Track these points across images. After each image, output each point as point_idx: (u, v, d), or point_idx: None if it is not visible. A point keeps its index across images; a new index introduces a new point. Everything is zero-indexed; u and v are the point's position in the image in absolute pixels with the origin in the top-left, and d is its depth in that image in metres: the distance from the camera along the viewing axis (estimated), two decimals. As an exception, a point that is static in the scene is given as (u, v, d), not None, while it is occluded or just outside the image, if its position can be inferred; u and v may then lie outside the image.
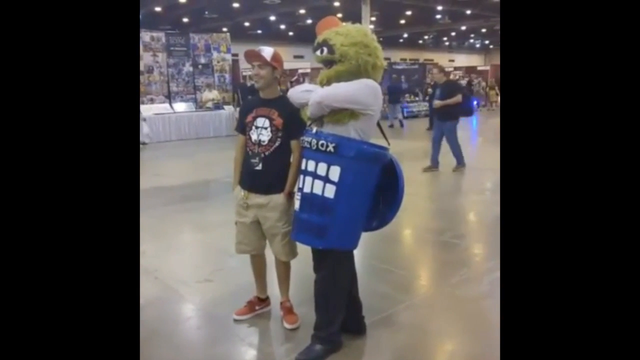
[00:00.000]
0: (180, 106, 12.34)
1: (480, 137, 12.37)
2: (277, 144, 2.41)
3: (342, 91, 2.09)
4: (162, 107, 12.00)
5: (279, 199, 2.43)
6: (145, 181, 6.32)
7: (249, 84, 13.48)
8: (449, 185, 6.63)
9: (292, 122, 2.37)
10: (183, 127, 11.53)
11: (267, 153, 2.41)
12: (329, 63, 2.15)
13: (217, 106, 12.47)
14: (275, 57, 2.40)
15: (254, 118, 2.45)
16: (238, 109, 12.40)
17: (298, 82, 14.40)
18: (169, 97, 12.85)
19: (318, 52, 2.17)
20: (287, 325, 2.59)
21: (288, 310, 2.64)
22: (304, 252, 2.42)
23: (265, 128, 2.41)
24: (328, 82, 2.16)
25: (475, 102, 19.32)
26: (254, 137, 2.44)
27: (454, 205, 5.54)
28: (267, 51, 2.39)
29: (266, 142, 2.41)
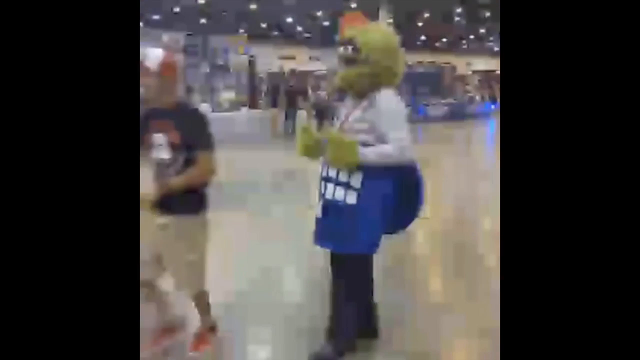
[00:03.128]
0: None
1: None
2: (180, 161, 2.07)
3: (405, 139, 2.03)
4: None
5: (185, 221, 2.15)
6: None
7: (290, 83, 13.22)
8: (465, 191, 6.60)
9: (192, 132, 2.06)
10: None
11: (171, 173, 2.08)
12: (350, 61, 2.12)
13: (234, 107, 12.58)
14: (164, 64, 2.05)
15: (151, 134, 2.09)
16: (273, 110, 12.35)
17: (316, 88, 14.26)
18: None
19: (342, 49, 2.14)
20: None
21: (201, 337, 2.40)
22: (313, 254, 2.42)
23: (163, 145, 2.07)
24: (348, 84, 2.15)
25: (492, 106, 19.23)
26: (154, 155, 2.10)
27: (470, 210, 5.50)
28: (153, 58, 2.04)
29: (168, 161, 2.08)
